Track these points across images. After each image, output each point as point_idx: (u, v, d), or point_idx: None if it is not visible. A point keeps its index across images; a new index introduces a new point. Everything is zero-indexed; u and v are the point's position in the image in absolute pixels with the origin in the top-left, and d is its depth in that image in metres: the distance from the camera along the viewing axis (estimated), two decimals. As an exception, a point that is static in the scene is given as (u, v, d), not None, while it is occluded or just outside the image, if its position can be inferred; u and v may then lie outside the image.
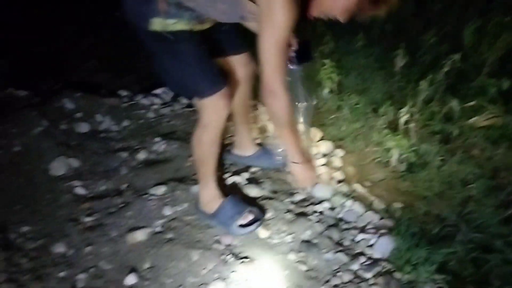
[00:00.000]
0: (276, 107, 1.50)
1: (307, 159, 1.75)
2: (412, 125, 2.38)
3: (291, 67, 1.69)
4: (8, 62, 3.03)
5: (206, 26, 1.57)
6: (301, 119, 1.82)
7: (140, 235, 1.81)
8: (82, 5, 3.87)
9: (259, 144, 2.28)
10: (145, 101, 2.69)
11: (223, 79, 1.63)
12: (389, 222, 1.96)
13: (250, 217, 1.83)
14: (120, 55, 3.39)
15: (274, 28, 1.33)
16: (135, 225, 1.87)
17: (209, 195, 1.86)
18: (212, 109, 1.62)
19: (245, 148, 2.19)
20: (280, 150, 1.96)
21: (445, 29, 3.33)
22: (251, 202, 1.97)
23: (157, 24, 1.46)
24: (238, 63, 1.84)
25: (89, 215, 1.94)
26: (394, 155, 2.28)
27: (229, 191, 1.95)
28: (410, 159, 2.28)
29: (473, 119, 2.54)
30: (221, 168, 2.17)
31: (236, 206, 1.85)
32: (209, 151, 1.75)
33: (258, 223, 1.83)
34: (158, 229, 1.86)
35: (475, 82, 2.82)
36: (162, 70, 1.63)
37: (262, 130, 2.50)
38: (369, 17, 1.45)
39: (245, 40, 1.80)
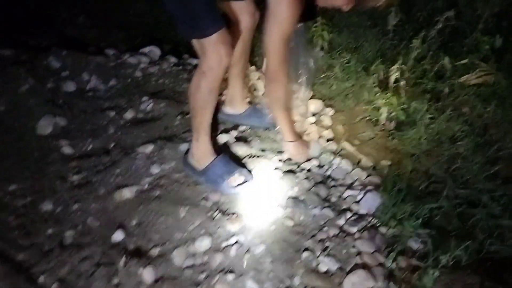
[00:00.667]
0: (278, 93, 1.74)
1: (300, 136, 2.00)
2: (402, 83, 2.36)
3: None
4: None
5: None
6: (302, 79, 1.85)
7: (127, 193, 1.82)
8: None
9: (249, 103, 2.25)
10: (132, 60, 2.63)
11: (224, 21, 1.58)
12: (376, 179, 1.97)
13: (240, 179, 1.83)
14: (110, 11, 3.32)
15: (281, 24, 1.51)
16: (122, 183, 1.87)
17: (201, 150, 1.84)
18: (213, 52, 1.57)
19: (236, 106, 2.17)
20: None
21: (440, -15, 3.26)
22: (240, 162, 1.97)
23: None
24: (243, 11, 1.82)
25: (76, 173, 1.93)
26: (383, 113, 2.27)
27: (218, 149, 1.94)
28: (399, 117, 2.27)
29: (465, 77, 2.53)
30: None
31: (227, 165, 1.85)
32: (206, 99, 1.70)
33: (247, 184, 1.83)
34: (145, 186, 1.86)
35: (468, 40, 2.78)
36: (170, 7, 1.56)
37: (252, 89, 2.47)
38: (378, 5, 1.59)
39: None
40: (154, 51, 2.76)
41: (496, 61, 2.64)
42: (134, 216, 1.74)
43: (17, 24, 3.00)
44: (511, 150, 2.12)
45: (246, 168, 1.91)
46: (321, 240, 1.66)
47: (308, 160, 2.03)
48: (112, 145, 2.08)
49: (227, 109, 2.20)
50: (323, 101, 2.47)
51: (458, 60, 2.62)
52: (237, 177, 1.83)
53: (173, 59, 2.69)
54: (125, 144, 2.08)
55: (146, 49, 2.75)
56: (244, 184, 1.82)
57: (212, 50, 1.56)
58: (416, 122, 2.26)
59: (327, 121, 2.34)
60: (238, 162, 1.93)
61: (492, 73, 2.54)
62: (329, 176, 1.98)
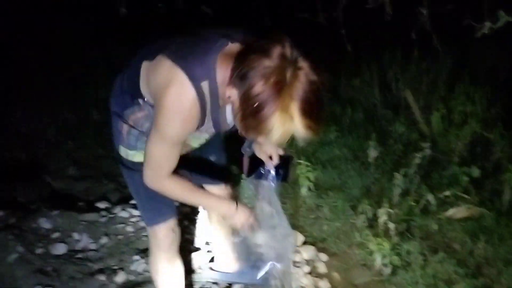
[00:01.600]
0: (170, 192, 1.46)
1: (233, 203, 1.60)
2: (391, 225, 2.40)
3: (269, 183, 1.70)
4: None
5: None
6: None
7: None
8: (61, 107, 3.94)
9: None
10: (124, 214, 2.64)
11: (171, 212, 1.68)
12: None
13: None
14: (99, 159, 3.40)
15: (159, 136, 1.31)
16: None
17: None
18: (153, 237, 1.69)
19: (226, 264, 2.16)
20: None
21: (412, 117, 3.48)
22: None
23: (122, 151, 1.54)
24: (213, 190, 1.85)
25: None
26: (377, 258, 2.28)
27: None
28: (394, 262, 2.27)
29: (450, 211, 2.59)
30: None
31: None
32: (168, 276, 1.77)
33: None
34: None
35: (446, 172, 2.90)
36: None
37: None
38: None
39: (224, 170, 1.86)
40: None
41: (476, 193, 2.73)
42: None
43: (4, 175, 3.04)
44: (509, 293, 2.12)
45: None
46: None
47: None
48: (103, 316, 2.01)
49: (218, 267, 2.19)
50: (315, 245, 2.47)
51: (440, 192, 2.70)
52: None
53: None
54: (118, 314, 2.01)
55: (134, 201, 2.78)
56: None
57: (153, 235, 1.70)
58: (410, 265, 2.26)
59: (322, 268, 2.32)
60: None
61: (475, 206, 2.61)
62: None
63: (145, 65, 1.35)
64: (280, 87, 1.07)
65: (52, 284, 2.15)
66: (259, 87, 1.07)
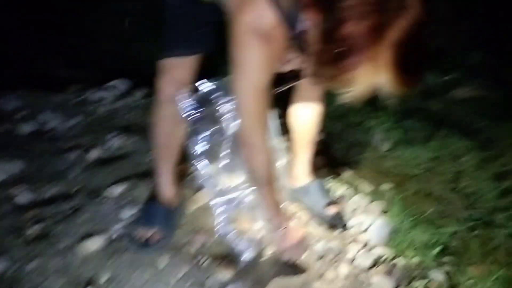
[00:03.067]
0: (256, 162, 1.27)
1: (288, 222, 1.42)
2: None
3: None
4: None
5: None
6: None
7: (95, 243, 1.53)
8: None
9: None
10: (96, 95, 2.40)
11: (192, 49, 1.36)
12: (380, 205, 1.76)
13: None
14: (73, 47, 3.10)
15: (244, 71, 1.10)
16: (88, 232, 1.58)
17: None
18: (162, 73, 1.39)
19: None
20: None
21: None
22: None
23: None
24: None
25: (33, 224, 1.63)
26: (376, 134, 2.10)
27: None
28: (393, 136, 2.10)
29: (454, 92, 2.41)
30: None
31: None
32: (168, 133, 1.50)
33: None
34: (116, 235, 1.58)
35: (449, 57, 2.71)
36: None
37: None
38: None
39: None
40: (119, 85, 2.53)
41: (478, 76, 2.56)
42: (104, 270, 1.44)
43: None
44: (518, 164, 1.97)
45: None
46: (332, 280, 1.41)
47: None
48: (75, 189, 1.80)
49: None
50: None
51: (442, 77, 2.52)
52: None
53: (140, 93, 2.47)
54: (91, 187, 1.81)
55: (111, 83, 2.52)
56: None
57: (162, 69, 1.39)
58: (412, 140, 2.09)
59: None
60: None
61: (480, 87, 2.44)
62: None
63: None
64: (377, 33, 0.79)
65: (18, 159, 1.92)
66: (351, 27, 0.79)
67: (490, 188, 1.82)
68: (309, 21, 0.89)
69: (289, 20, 1.00)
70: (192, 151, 1.45)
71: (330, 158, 2.10)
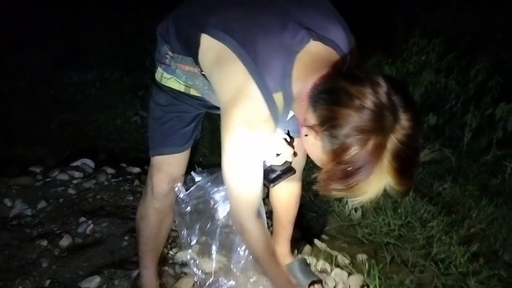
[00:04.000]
0: (248, 241, 1.29)
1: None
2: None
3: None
4: None
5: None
6: None
7: None
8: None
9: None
10: (63, 176, 2.33)
11: (184, 145, 1.38)
12: (359, 278, 1.78)
13: None
14: (31, 126, 3.03)
15: (235, 161, 1.12)
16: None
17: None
18: (155, 170, 1.39)
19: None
20: None
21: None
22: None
23: (159, 73, 1.30)
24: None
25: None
26: (348, 203, 2.17)
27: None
28: (365, 205, 2.16)
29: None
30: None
31: None
32: (156, 226, 1.48)
33: None
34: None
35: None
36: None
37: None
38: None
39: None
40: (87, 163, 2.49)
41: (435, 139, 2.72)
42: None
43: None
44: (482, 226, 2.08)
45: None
46: None
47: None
48: (47, 283, 1.72)
49: None
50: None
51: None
52: None
53: (110, 170, 2.43)
54: (64, 279, 1.73)
55: (77, 162, 2.47)
56: None
57: (155, 166, 1.39)
58: (381, 208, 2.17)
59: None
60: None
61: (437, 150, 2.59)
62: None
63: (202, 37, 1.06)
64: (379, 152, 0.87)
65: (-18, 252, 1.82)
66: (354, 152, 0.87)
67: (460, 253, 1.90)
68: (305, 115, 0.97)
69: (280, 119, 1.07)
70: (183, 240, 1.45)
71: (305, 228, 2.13)
